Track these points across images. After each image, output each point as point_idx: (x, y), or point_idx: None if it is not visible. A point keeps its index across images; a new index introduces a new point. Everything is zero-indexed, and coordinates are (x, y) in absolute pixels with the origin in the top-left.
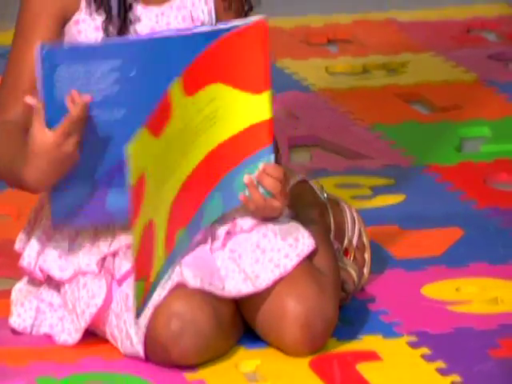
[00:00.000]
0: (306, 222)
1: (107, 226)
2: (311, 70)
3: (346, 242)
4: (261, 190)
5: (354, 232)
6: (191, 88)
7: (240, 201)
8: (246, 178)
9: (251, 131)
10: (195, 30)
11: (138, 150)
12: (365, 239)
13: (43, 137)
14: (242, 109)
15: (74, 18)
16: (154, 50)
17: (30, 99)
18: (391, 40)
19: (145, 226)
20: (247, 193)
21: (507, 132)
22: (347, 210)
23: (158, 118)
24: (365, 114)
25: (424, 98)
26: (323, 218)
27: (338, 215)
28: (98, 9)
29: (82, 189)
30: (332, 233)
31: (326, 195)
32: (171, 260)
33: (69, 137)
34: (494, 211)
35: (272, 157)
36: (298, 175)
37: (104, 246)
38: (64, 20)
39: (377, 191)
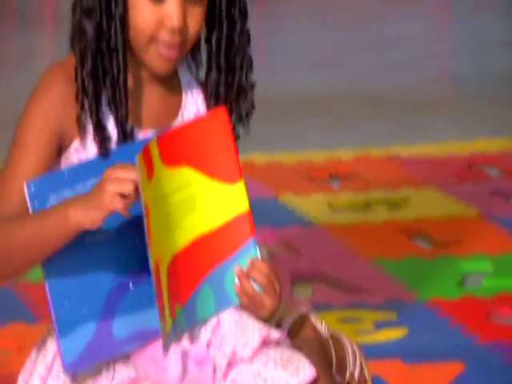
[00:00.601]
0: (307, 355)
1: (107, 362)
2: (313, 205)
3: (347, 375)
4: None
5: (356, 366)
6: (167, 158)
7: (233, 302)
8: (236, 270)
9: (232, 225)
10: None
11: (141, 169)
12: (366, 373)
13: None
14: (218, 199)
15: (74, 145)
16: (131, 156)
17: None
18: (392, 175)
19: (156, 260)
20: (238, 285)
21: (509, 267)
22: (348, 345)
23: (147, 162)
24: (367, 248)
25: (426, 232)
26: (325, 352)
27: (339, 350)
28: (95, 137)
29: (88, 327)
30: (334, 367)
31: (327, 330)
32: (174, 331)
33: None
34: (496, 346)
35: (257, 250)
36: (300, 309)
37: (106, 381)
38: (61, 142)
39: (379, 325)
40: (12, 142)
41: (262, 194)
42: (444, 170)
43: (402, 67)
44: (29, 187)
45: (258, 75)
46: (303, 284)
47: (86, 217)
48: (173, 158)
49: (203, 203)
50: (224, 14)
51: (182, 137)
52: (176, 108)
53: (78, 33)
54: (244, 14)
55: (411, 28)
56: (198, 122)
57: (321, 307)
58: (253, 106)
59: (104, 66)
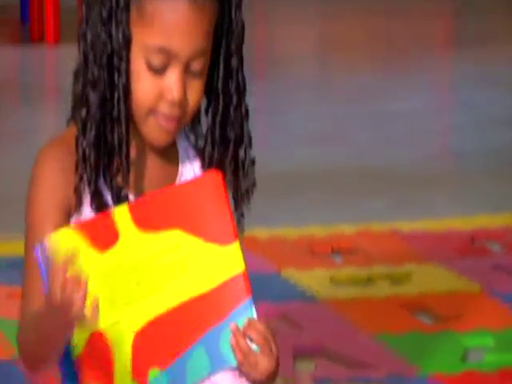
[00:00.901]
0: None
1: None
2: (315, 280)
3: None
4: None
5: None
6: (144, 224)
7: (229, 362)
8: (232, 326)
9: (228, 286)
10: None
11: (62, 244)
12: None
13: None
14: (213, 261)
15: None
16: None
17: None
18: (394, 250)
19: (103, 330)
20: (233, 341)
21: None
22: None
23: (99, 232)
24: (369, 323)
25: (428, 307)
26: None
27: None
28: (91, 205)
29: None
30: None
31: None
32: None
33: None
34: None
35: (253, 311)
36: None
37: None
38: (69, 211)
39: None
40: (26, 227)
41: (264, 269)
42: (446, 245)
43: (402, 143)
44: (40, 249)
45: (258, 150)
46: (305, 359)
47: (64, 333)
48: (154, 222)
49: (195, 265)
50: (220, 87)
51: (170, 199)
52: (173, 175)
53: (80, 103)
54: (242, 89)
55: (412, 103)
56: (190, 183)
57: (323, 382)
58: (254, 184)
59: (106, 137)
